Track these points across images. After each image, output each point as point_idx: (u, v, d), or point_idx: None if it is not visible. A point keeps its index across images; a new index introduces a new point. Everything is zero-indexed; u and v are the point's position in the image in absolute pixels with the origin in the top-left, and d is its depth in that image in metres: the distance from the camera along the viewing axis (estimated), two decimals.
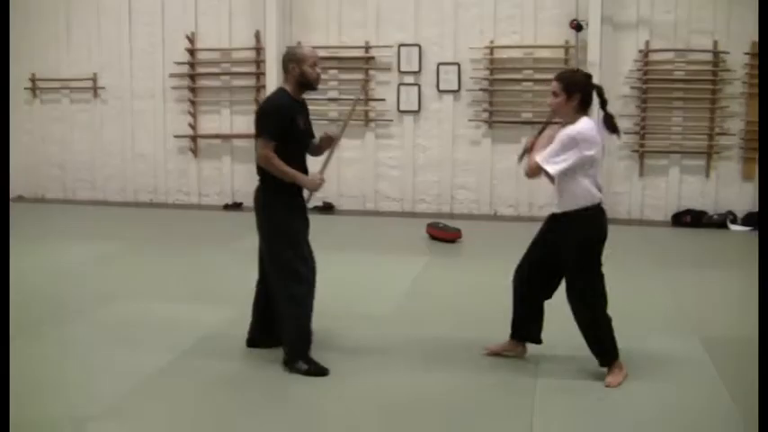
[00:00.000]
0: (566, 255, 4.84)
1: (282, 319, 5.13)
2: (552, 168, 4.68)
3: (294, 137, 5.08)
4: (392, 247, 9.50)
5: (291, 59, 5.10)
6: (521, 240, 9.97)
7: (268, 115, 5.05)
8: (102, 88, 12.76)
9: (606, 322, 4.85)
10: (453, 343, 5.64)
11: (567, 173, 4.70)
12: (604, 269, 4.89)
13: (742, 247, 9.92)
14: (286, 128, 5.02)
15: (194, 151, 12.60)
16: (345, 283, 7.32)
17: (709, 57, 11.10)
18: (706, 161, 11.28)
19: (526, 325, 5.23)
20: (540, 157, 4.71)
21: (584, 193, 4.76)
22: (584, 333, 4.90)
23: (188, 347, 5.58)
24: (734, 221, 11.01)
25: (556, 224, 4.94)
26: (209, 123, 12.55)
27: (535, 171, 4.76)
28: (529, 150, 4.95)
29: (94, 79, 12.78)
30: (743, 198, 11.22)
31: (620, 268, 7.92)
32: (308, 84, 5.11)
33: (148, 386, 4.89)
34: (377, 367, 5.17)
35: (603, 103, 4.94)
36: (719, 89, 11.12)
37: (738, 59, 11.03)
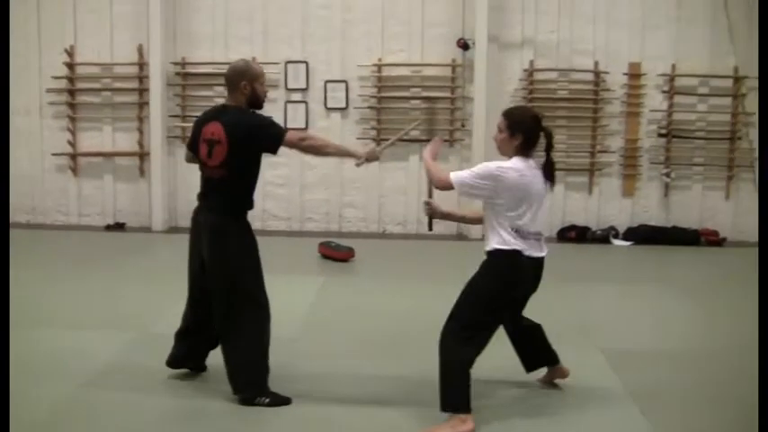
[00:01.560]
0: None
1: (237, 350, 4.85)
2: (457, 178, 4.48)
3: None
4: (285, 267, 9.31)
5: (243, 76, 4.81)
6: (411, 258, 10.03)
7: (269, 123, 4.84)
8: None
9: (459, 369, 4.52)
10: (364, 371, 5.53)
11: (485, 207, 4.55)
12: None
13: (625, 261, 10.26)
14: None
15: (74, 170, 12.12)
16: None
17: (590, 77, 11.43)
18: (589, 178, 11.59)
19: (534, 355, 5.10)
20: (453, 173, 4.52)
21: (495, 236, 4.51)
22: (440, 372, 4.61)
23: (93, 377, 5.30)
24: (616, 236, 11.33)
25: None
26: (89, 141, 12.10)
27: (445, 182, 4.54)
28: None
29: None
30: (623, 214, 11.60)
31: None
32: (258, 103, 4.88)
33: (54, 420, 4.62)
34: (297, 398, 4.97)
35: (549, 148, 4.66)
36: (600, 108, 11.45)
37: (617, 80, 11.41)
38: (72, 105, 11.99)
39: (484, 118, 11.05)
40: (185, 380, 5.22)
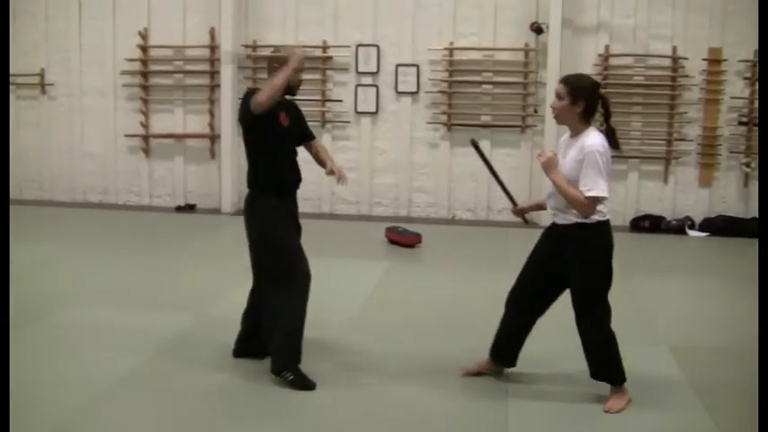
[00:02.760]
0: (576, 268, 4.52)
1: (274, 328, 4.91)
2: (604, 193, 4.37)
3: (276, 134, 4.94)
4: (351, 251, 9.30)
5: (276, 61, 4.93)
6: (480, 246, 9.90)
7: (247, 97, 4.86)
8: (51, 84, 12.37)
9: (615, 341, 4.59)
10: (421, 356, 5.46)
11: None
12: None
13: (700, 253, 9.94)
14: (266, 124, 4.87)
15: (146, 151, 12.27)
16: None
17: (667, 62, 11.09)
18: (664, 167, 11.26)
19: (511, 348, 4.96)
20: (586, 190, 4.32)
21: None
22: (593, 355, 4.61)
23: (151, 355, 5.34)
24: (691, 227, 11.00)
25: (563, 236, 4.58)
26: (161, 122, 12.22)
27: (592, 205, 4.37)
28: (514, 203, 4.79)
29: (42, 75, 12.38)
30: (700, 204, 11.24)
31: None
32: (287, 88, 4.89)
33: (111, 396, 4.65)
34: (344, 381, 4.96)
35: (607, 116, 4.58)
36: (678, 95, 11.10)
37: (696, 66, 11.03)
38: (145, 87, 12.12)
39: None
40: (232, 361, 5.25)
